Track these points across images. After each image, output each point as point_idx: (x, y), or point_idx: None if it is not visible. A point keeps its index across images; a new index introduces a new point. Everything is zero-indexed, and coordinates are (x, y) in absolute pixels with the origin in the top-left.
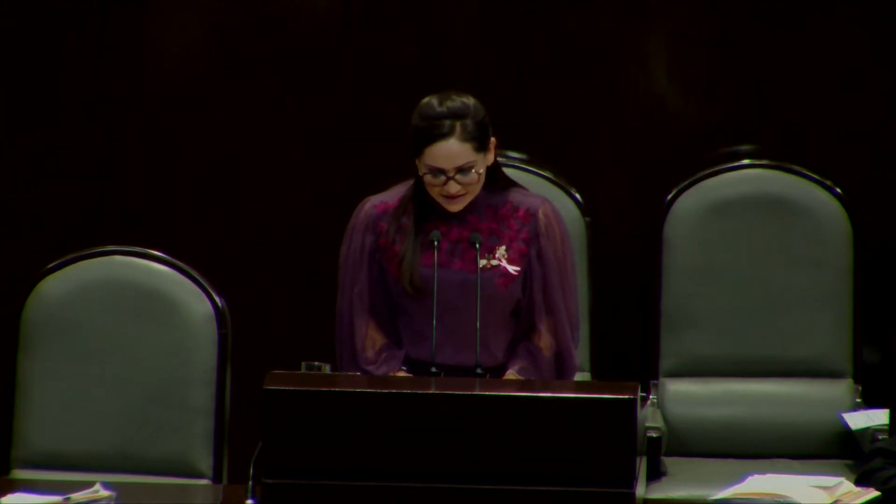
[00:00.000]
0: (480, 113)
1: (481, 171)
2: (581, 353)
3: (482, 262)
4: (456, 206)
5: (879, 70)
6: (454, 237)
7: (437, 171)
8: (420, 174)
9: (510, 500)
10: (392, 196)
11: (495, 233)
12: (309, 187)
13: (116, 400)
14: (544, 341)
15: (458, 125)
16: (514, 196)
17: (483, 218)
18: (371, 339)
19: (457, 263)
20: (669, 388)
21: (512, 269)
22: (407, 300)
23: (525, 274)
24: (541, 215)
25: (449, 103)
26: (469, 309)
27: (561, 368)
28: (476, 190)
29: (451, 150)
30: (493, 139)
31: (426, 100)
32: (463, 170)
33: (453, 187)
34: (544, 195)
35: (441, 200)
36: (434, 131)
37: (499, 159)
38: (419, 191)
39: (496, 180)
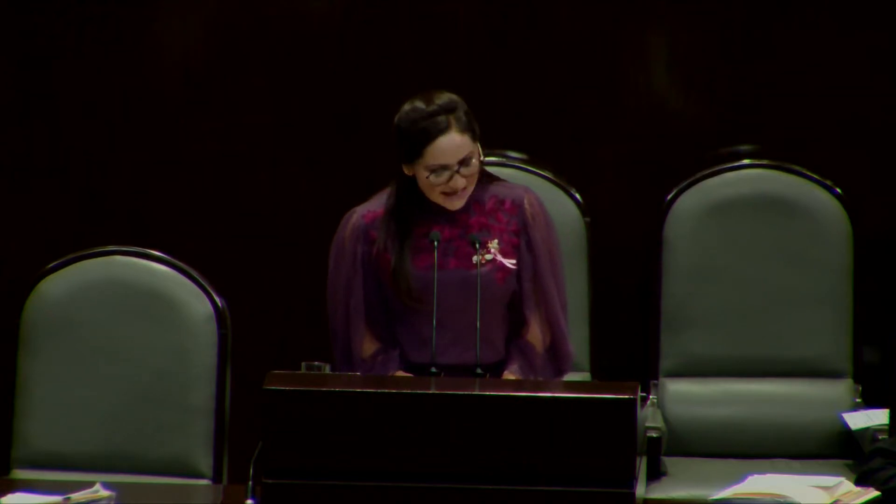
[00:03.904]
0: (464, 105)
1: (477, 161)
2: (581, 353)
3: (477, 258)
4: (458, 203)
5: (879, 70)
6: (446, 236)
7: (441, 169)
8: (423, 177)
9: (510, 500)
10: (377, 205)
11: (486, 227)
12: (309, 187)
13: (117, 400)
14: (534, 335)
15: (452, 118)
16: (497, 189)
17: (472, 214)
18: (367, 349)
19: (452, 262)
20: (669, 388)
21: (508, 262)
22: (406, 307)
23: (518, 266)
24: (526, 205)
25: (437, 100)
26: (471, 307)
27: (556, 359)
28: (474, 182)
29: (453, 143)
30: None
31: (409, 104)
32: (465, 161)
33: (459, 181)
34: (535, 190)
35: (442, 200)
36: (433, 129)
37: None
38: (402, 195)
39: (479, 175)
